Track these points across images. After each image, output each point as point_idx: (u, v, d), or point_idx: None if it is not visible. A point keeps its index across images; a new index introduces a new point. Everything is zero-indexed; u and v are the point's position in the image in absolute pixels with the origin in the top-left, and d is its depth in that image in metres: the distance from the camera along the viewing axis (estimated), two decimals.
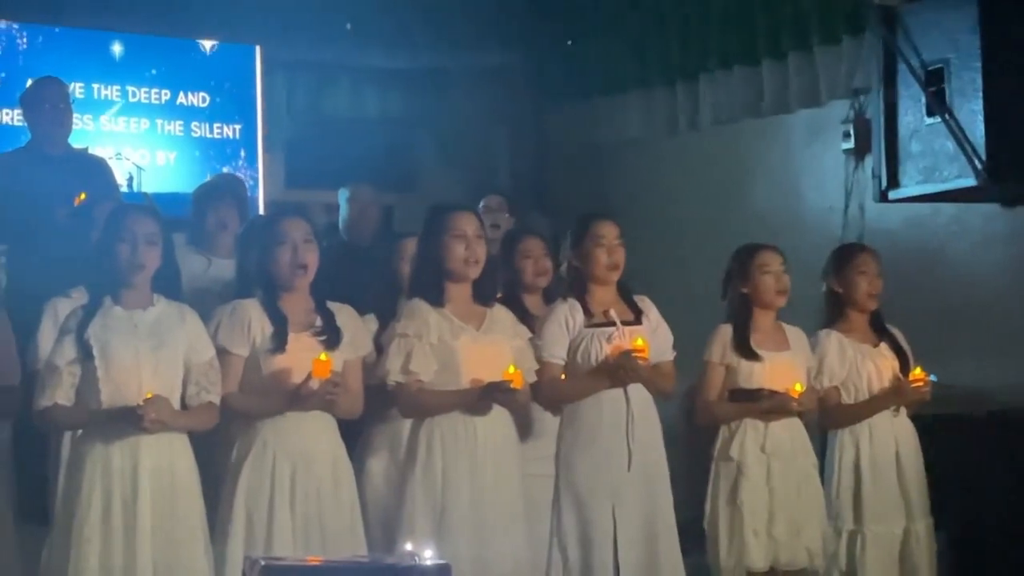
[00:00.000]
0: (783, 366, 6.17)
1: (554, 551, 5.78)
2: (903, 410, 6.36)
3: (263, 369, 5.34)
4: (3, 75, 8.42)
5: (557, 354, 5.80)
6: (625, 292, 5.98)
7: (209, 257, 6.53)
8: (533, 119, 10.33)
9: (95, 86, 8.67)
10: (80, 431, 5.20)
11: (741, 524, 6.05)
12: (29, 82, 7.69)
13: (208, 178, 8.00)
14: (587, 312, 5.85)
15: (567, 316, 5.84)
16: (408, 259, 5.99)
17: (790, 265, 6.28)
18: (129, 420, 4.99)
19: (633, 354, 5.70)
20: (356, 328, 5.57)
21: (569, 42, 9.77)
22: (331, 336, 5.41)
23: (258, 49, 9.13)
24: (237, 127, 9.15)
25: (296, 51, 9.27)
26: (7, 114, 8.21)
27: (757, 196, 8.97)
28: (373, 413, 5.70)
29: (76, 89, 8.09)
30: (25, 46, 8.48)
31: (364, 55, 9.50)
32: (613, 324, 5.83)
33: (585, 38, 9.68)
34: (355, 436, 5.72)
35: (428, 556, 3.82)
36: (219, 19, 8.81)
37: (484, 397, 5.47)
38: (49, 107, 7.16)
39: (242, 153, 9.16)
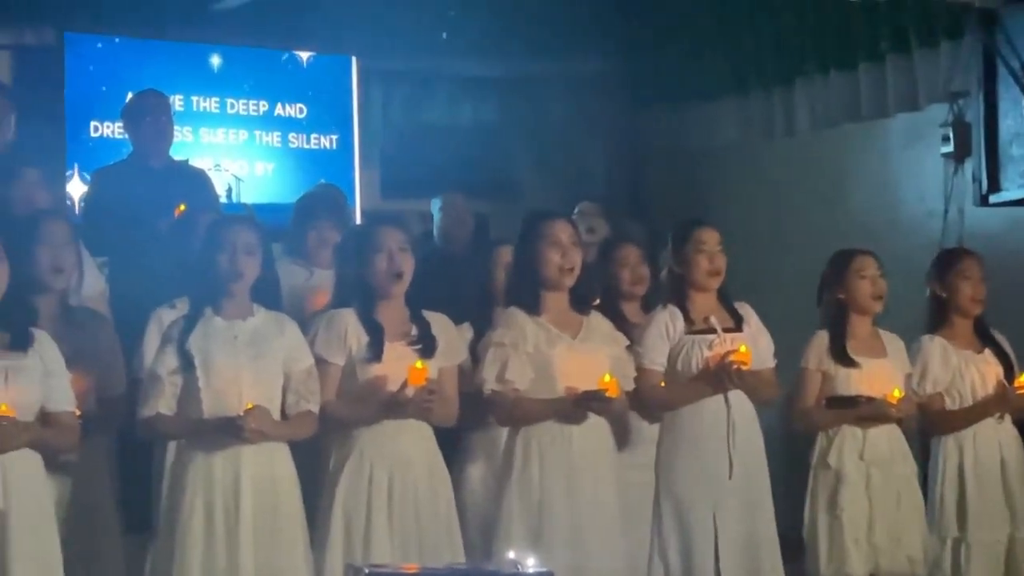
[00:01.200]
0: (880, 372, 6.13)
1: (654, 559, 5.77)
2: (1007, 417, 6.29)
3: (359, 377, 5.36)
4: (104, 89, 8.51)
5: (657, 361, 5.80)
6: (725, 299, 5.96)
7: (311, 268, 6.55)
8: (628, 125, 10.31)
9: (194, 98, 8.75)
10: (182, 441, 5.27)
11: (841, 532, 6.01)
12: (130, 95, 7.76)
13: (309, 189, 8.03)
14: (687, 319, 5.84)
15: (667, 323, 5.83)
16: (503, 267, 6.01)
17: (888, 270, 6.24)
18: (230, 430, 5.03)
19: (734, 361, 5.69)
20: (451, 337, 5.59)
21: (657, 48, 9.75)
22: (426, 345, 5.43)
23: (354, 60, 9.18)
24: (334, 137, 9.21)
25: (392, 61, 9.32)
26: (108, 127, 8.30)
27: (855, 201, 8.90)
28: (470, 421, 5.72)
29: (176, 101, 8.16)
30: (126, 60, 8.57)
31: (459, 64, 9.53)
32: (714, 331, 5.82)
33: (679, 43, 9.65)
34: (452, 443, 5.73)
35: (531, 564, 3.82)
36: (315, 30, 8.87)
37: (579, 406, 5.46)
38: (150, 120, 7.24)
39: (339, 164, 9.20)
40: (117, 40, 8.53)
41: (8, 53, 8.41)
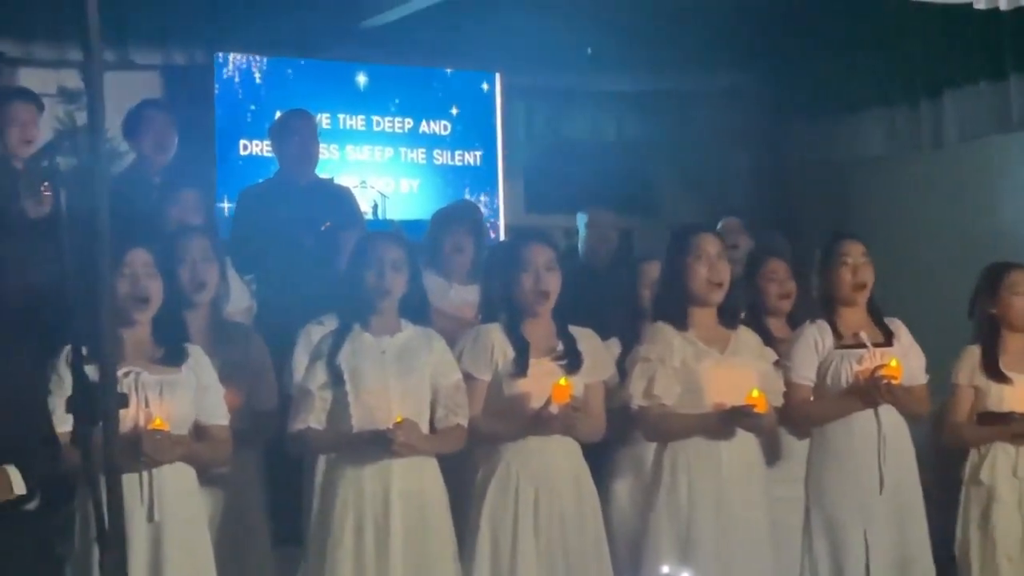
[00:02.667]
0: None
1: (805, 573, 5.74)
2: None
3: (504, 393, 5.39)
4: (253, 107, 8.64)
5: (806, 375, 5.77)
6: (876, 313, 5.91)
7: (450, 281, 6.59)
8: (772, 139, 10.26)
9: (341, 116, 8.86)
10: (332, 455, 5.32)
11: (993, 549, 5.96)
12: (277, 114, 7.87)
13: (441, 203, 8.10)
14: (836, 334, 5.81)
15: (816, 338, 5.80)
16: (649, 283, 6.02)
17: None
18: (379, 444, 5.07)
19: (885, 375, 5.64)
20: (598, 352, 5.59)
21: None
22: (572, 360, 5.44)
23: (498, 76, 9.23)
24: (478, 154, 9.27)
25: (535, 77, 9.36)
26: (257, 145, 8.42)
27: (1006, 213, 8.76)
28: (617, 436, 5.73)
29: (322, 120, 8.26)
30: (273, 79, 8.69)
31: (602, 80, 9.55)
32: (864, 346, 5.78)
33: (824, 55, 9.59)
34: (600, 459, 5.73)
35: None
36: (459, 48, 8.94)
37: (727, 421, 5.43)
38: (297, 139, 7.31)
39: (483, 179, 9.26)
40: (265, 60, 8.64)
41: (159, 73, 8.57)
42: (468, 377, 5.38)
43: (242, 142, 8.60)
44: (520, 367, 5.38)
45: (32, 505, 4.50)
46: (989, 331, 6.13)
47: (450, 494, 5.30)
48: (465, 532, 5.34)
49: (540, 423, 5.29)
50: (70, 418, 3.38)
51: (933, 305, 7.39)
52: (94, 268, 3.18)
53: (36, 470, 4.44)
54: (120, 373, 4.50)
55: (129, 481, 4.65)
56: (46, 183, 6.38)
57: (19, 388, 4.49)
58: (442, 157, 9.18)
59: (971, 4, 6.43)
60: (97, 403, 3.20)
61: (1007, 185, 8.87)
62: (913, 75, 9.11)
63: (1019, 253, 6.81)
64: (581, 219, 8.05)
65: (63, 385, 4.64)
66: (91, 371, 3.25)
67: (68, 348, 4.59)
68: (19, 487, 4.40)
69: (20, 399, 4.46)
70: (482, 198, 9.05)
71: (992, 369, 6.05)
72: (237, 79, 8.60)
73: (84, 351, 3.36)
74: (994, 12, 6.55)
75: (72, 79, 8.04)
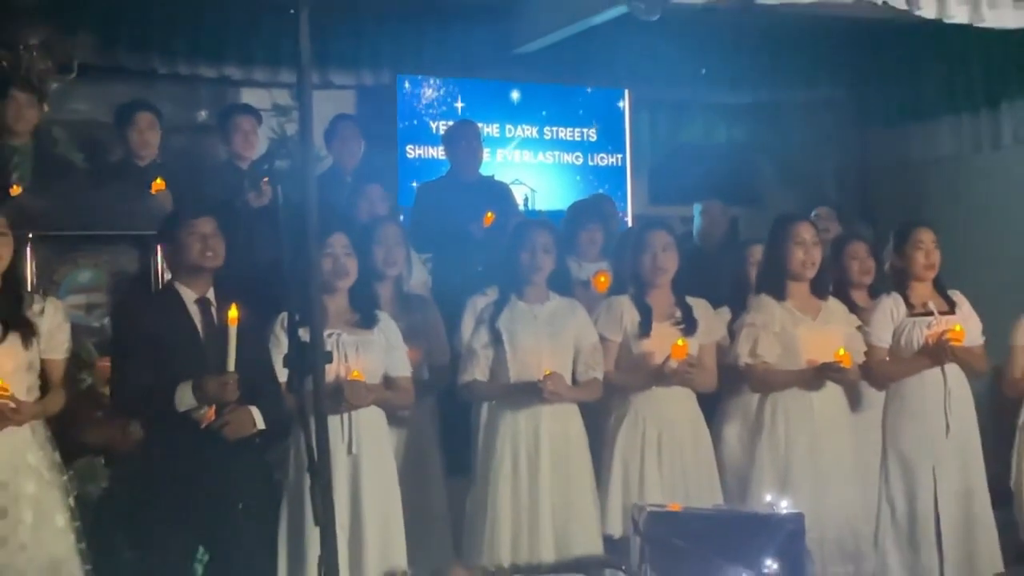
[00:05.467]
0: None
1: (883, 503, 5.69)
2: None
3: (632, 351, 5.41)
4: (427, 119, 8.68)
5: (884, 339, 5.71)
6: (940, 287, 5.84)
7: (580, 262, 6.54)
8: (856, 142, 10.10)
9: (499, 125, 8.87)
10: (493, 402, 5.38)
11: None
12: (450, 124, 7.92)
13: (583, 197, 8.08)
14: (908, 304, 5.75)
15: (892, 308, 5.74)
16: (754, 262, 5.99)
17: None
18: (532, 393, 5.13)
19: (950, 338, 5.57)
20: (710, 318, 5.59)
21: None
22: (688, 325, 5.45)
23: (627, 92, 9.18)
24: (610, 156, 9.23)
25: (658, 92, 9.30)
26: (434, 150, 8.46)
27: None
28: (728, 388, 5.71)
29: (485, 129, 8.28)
30: (445, 95, 8.74)
31: (714, 93, 9.45)
32: (931, 314, 5.72)
33: (901, 72, 9.42)
34: (712, 407, 5.72)
35: (784, 506, 3.79)
36: (596, 69, 8.91)
37: (818, 375, 5.45)
38: (465, 144, 7.34)
39: (615, 177, 9.22)
40: (439, 80, 8.69)
41: (353, 92, 8.65)
42: (603, 339, 5.41)
43: (418, 148, 8.64)
44: (645, 330, 5.41)
45: (258, 440, 4.65)
46: None
47: (589, 434, 5.34)
48: (601, 464, 5.37)
49: (662, 376, 5.32)
50: (285, 371, 3.46)
51: (992, 281, 7.22)
52: (304, 249, 3.24)
53: (272, 410, 4.58)
54: (325, 335, 4.56)
55: (332, 422, 4.75)
56: (266, 180, 6.50)
57: (258, 346, 4.63)
58: (581, 159, 9.15)
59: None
60: (308, 359, 3.26)
61: None
62: (974, 87, 8.91)
63: None
64: (696, 209, 7.98)
65: (280, 344, 4.75)
66: (302, 333, 3.31)
67: (284, 314, 4.72)
68: (260, 423, 4.55)
69: (259, 355, 4.59)
70: (614, 192, 8.97)
71: None
72: (415, 95, 8.65)
73: (297, 317, 3.42)
74: None
75: (283, 97, 8.13)
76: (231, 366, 4.38)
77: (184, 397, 4.45)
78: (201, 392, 4.45)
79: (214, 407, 4.48)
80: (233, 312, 4.35)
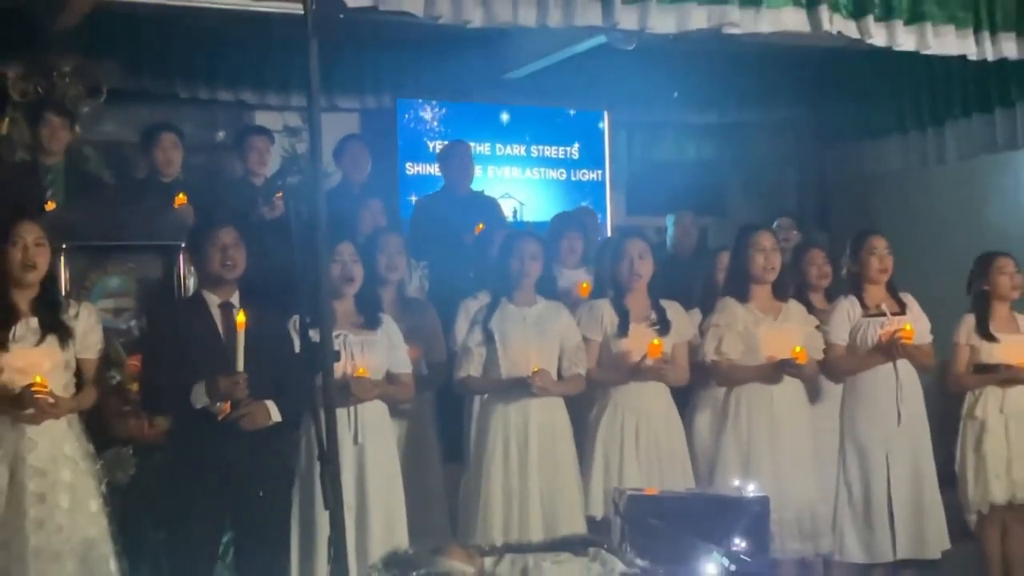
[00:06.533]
0: (1017, 345, 5.96)
1: (840, 486, 5.73)
2: None
3: (612, 350, 5.42)
4: (424, 139, 8.69)
5: (841, 337, 5.74)
6: (892, 289, 5.87)
7: (560, 269, 6.48)
8: (814, 157, 10.10)
9: (489, 144, 8.87)
10: (486, 396, 5.39)
11: (985, 468, 5.89)
12: (444, 143, 7.92)
13: (566, 210, 8.07)
14: (863, 305, 5.78)
15: (848, 308, 5.77)
16: (722, 268, 6.00)
17: (1022, 268, 6.07)
18: (521, 387, 5.15)
19: (901, 337, 5.59)
20: (682, 319, 5.60)
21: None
22: (662, 326, 5.46)
23: (606, 114, 9.20)
24: (591, 172, 9.23)
25: (634, 113, 9.31)
26: (431, 167, 8.45)
27: (993, 214, 8.57)
28: (698, 382, 5.71)
29: (476, 148, 8.28)
30: (441, 116, 8.74)
31: (685, 114, 9.46)
32: (884, 314, 5.75)
33: (855, 93, 9.44)
34: (684, 398, 5.74)
35: (751, 490, 3.80)
36: (578, 93, 8.91)
37: (777, 371, 5.47)
38: (458, 162, 7.36)
39: (596, 192, 9.23)
40: (435, 103, 8.70)
41: (357, 114, 8.67)
42: (585, 339, 5.41)
43: (416, 165, 8.65)
44: (623, 330, 5.41)
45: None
46: (981, 302, 6.04)
47: (573, 424, 5.35)
48: (584, 452, 5.39)
49: (639, 372, 5.33)
50: None
51: (938, 284, 7.25)
52: (314, 257, 3.25)
53: (285, 405, 4.59)
54: (333, 335, 4.57)
55: (339, 414, 4.68)
56: (279, 195, 6.51)
57: (277, 345, 4.63)
58: (564, 175, 9.14)
59: (965, 56, 6.31)
60: (318, 357, 3.28)
61: (994, 192, 8.68)
62: (921, 108, 8.93)
63: (1001, 244, 6.67)
64: (669, 219, 8.01)
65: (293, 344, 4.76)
66: (313, 334, 3.31)
67: (296, 317, 4.74)
68: (276, 416, 4.57)
69: (277, 353, 4.59)
70: (593, 205, 8.98)
71: (984, 331, 5.97)
72: (413, 117, 8.66)
73: (308, 319, 3.43)
74: (983, 61, 6.43)
75: (293, 119, 8.12)
76: (240, 366, 4.39)
77: (199, 395, 4.47)
78: (213, 390, 4.46)
79: (229, 402, 4.49)
80: (241, 317, 4.37)
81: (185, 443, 4.59)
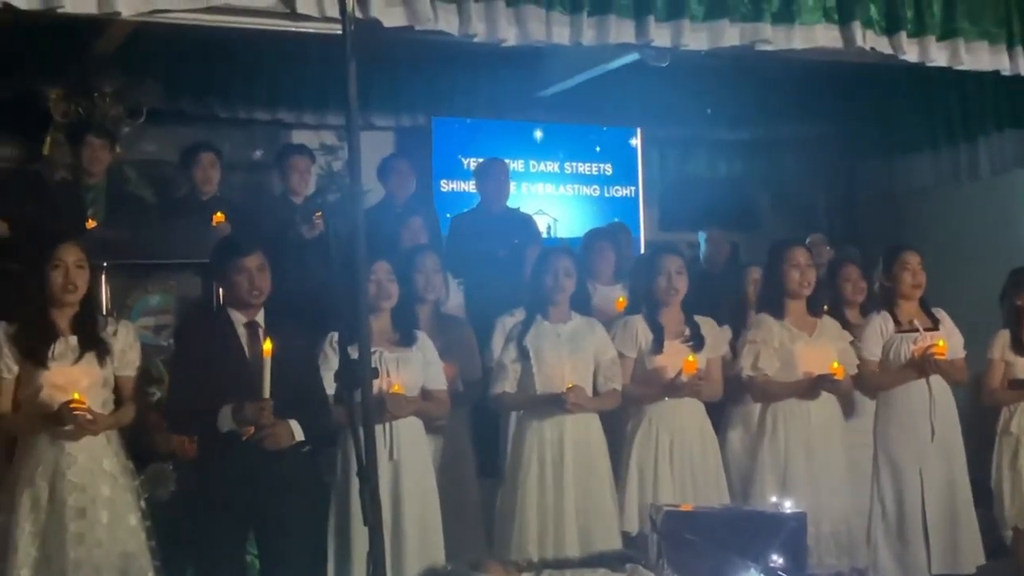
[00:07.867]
0: None
1: (874, 502, 5.68)
2: None
3: (647, 366, 5.39)
4: (459, 156, 8.68)
5: (875, 353, 5.70)
6: (925, 305, 5.82)
7: (595, 284, 6.41)
8: (845, 174, 10.06)
9: (523, 161, 8.85)
10: (522, 411, 5.37)
11: (1021, 484, 5.86)
12: (480, 160, 7.91)
13: (601, 225, 8.04)
14: (896, 321, 5.73)
15: (881, 324, 5.73)
16: (753, 283, 5.97)
17: None
18: (556, 404, 5.12)
19: (934, 352, 5.55)
20: (716, 335, 5.57)
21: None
22: (697, 342, 5.43)
23: (639, 131, 9.17)
24: (625, 188, 9.20)
25: (667, 130, 9.29)
26: (466, 184, 8.43)
27: None
28: (732, 398, 5.69)
29: (511, 165, 8.26)
30: (476, 135, 8.74)
31: (717, 131, 9.44)
32: (917, 330, 5.69)
33: (886, 109, 9.38)
34: (718, 415, 5.70)
35: (788, 505, 3.75)
36: (611, 110, 8.89)
37: (814, 386, 5.42)
38: (494, 179, 7.34)
39: (629, 207, 9.19)
40: (469, 121, 8.70)
41: (392, 132, 8.67)
42: (620, 355, 5.39)
43: (452, 183, 8.64)
44: (658, 347, 5.39)
45: (307, 448, 4.63)
46: (1015, 317, 5.99)
47: (608, 440, 5.32)
48: (619, 468, 5.36)
49: (673, 388, 5.30)
50: (334, 385, 3.43)
51: (972, 299, 7.18)
52: (353, 275, 3.25)
53: (313, 423, 4.56)
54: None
55: (376, 430, 4.73)
56: (319, 214, 6.51)
57: (301, 365, 4.60)
58: (599, 191, 9.12)
59: (999, 71, 6.25)
60: (356, 374, 3.27)
61: None
62: (953, 124, 8.87)
63: None
64: (702, 235, 7.98)
65: (329, 361, 4.74)
66: (351, 351, 3.31)
67: (334, 334, 4.72)
68: (299, 435, 4.52)
69: (302, 373, 4.57)
70: (627, 221, 8.93)
71: (1019, 346, 5.92)
72: (449, 135, 8.66)
73: (346, 336, 3.42)
74: (1016, 76, 6.36)
75: (330, 138, 8.16)
76: (267, 392, 4.31)
77: (225, 419, 4.41)
78: (240, 416, 4.39)
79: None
80: (267, 345, 4.29)
81: (213, 461, 4.53)
